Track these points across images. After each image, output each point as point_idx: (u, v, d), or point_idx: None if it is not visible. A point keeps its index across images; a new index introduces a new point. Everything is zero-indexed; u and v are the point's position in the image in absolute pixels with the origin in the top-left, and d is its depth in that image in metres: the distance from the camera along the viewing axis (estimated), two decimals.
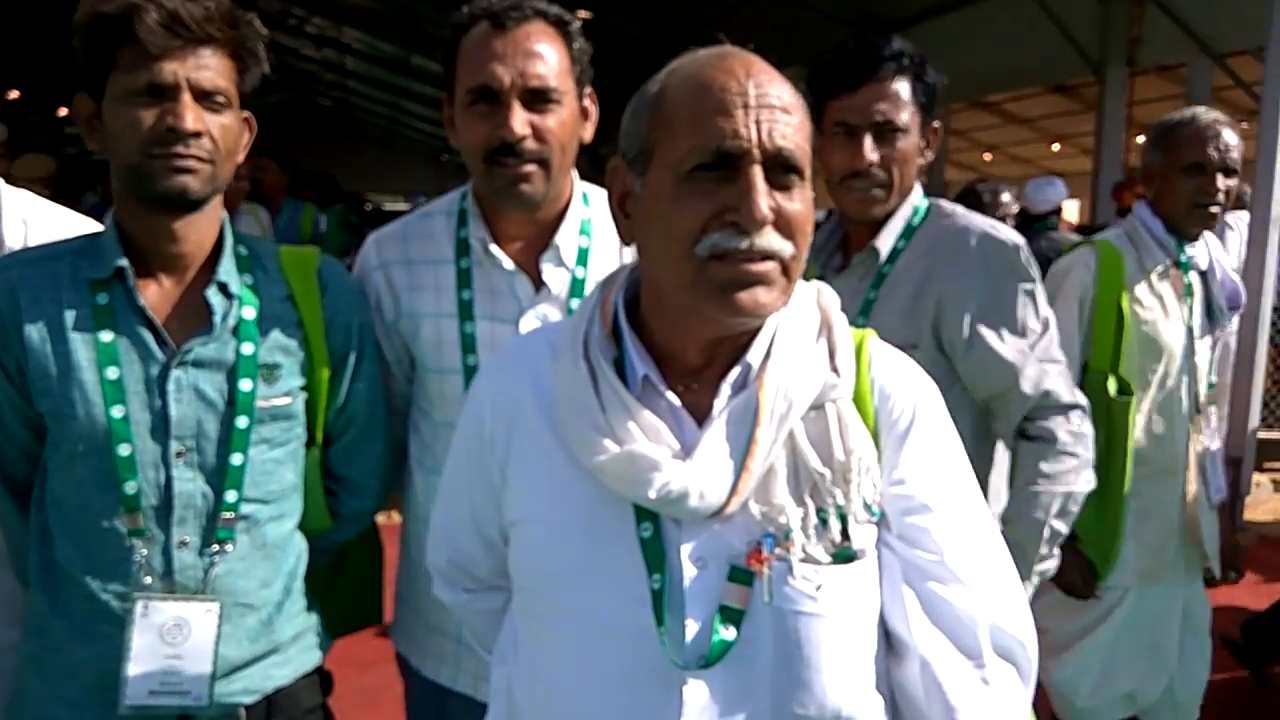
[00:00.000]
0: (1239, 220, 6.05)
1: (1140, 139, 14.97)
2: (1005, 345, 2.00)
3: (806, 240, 1.16)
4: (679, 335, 1.21)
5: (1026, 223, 6.63)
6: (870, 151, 2.02)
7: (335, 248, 6.62)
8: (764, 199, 1.10)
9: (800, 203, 1.14)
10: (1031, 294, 2.05)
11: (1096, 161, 9.61)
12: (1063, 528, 2.04)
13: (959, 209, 2.15)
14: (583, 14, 11.74)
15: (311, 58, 24.42)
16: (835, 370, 1.22)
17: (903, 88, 2.03)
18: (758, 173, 1.11)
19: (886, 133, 2.02)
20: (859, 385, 1.25)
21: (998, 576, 1.25)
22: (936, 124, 2.12)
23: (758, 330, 1.21)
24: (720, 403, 1.19)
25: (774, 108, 1.12)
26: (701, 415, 1.20)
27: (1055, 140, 18.81)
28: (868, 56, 2.03)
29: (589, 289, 1.89)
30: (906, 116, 2.03)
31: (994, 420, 2.11)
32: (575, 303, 1.88)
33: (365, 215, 12.32)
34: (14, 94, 15.02)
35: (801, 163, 1.14)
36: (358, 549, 2.02)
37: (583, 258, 1.90)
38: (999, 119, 17.44)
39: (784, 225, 1.13)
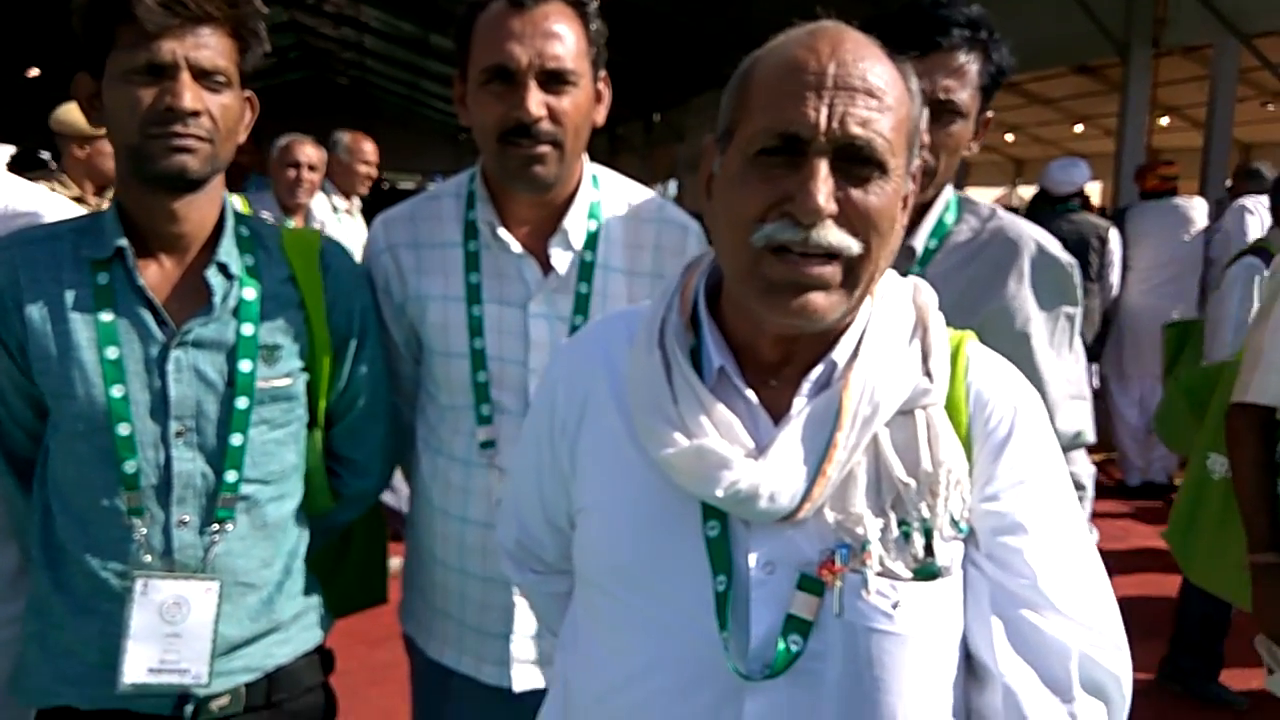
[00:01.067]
0: (1258, 204, 5.98)
1: (1164, 121, 14.81)
2: (1050, 376, 1.83)
3: (884, 241, 1.07)
4: (752, 328, 1.15)
5: (1048, 204, 6.57)
6: (924, 133, 1.83)
7: None
8: (823, 190, 1.02)
9: (877, 196, 1.05)
10: (1073, 320, 1.87)
11: (1119, 143, 9.49)
12: None
13: (997, 209, 1.92)
14: None
15: (330, 36, 24.45)
16: (928, 374, 1.15)
17: (972, 64, 1.76)
18: (822, 162, 1.03)
19: (945, 113, 1.75)
20: (954, 391, 1.17)
21: (1095, 605, 1.16)
22: (990, 113, 1.85)
23: (846, 327, 1.15)
24: (800, 402, 1.13)
25: (855, 90, 1.03)
26: (779, 414, 1.14)
27: (1078, 121, 18.60)
28: (939, 19, 1.74)
29: (597, 273, 1.87)
30: (968, 98, 1.77)
31: None
32: (583, 287, 1.86)
33: (382, 194, 12.30)
34: (34, 71, 15.04)
35: (883, 155, 1.04)
36: (362, 530, 2.02)
37: (591, 241, 1.88)
38: (1022, 99, 17.26)
39: (851, 219, 1.04)
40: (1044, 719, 1.11)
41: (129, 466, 1.56)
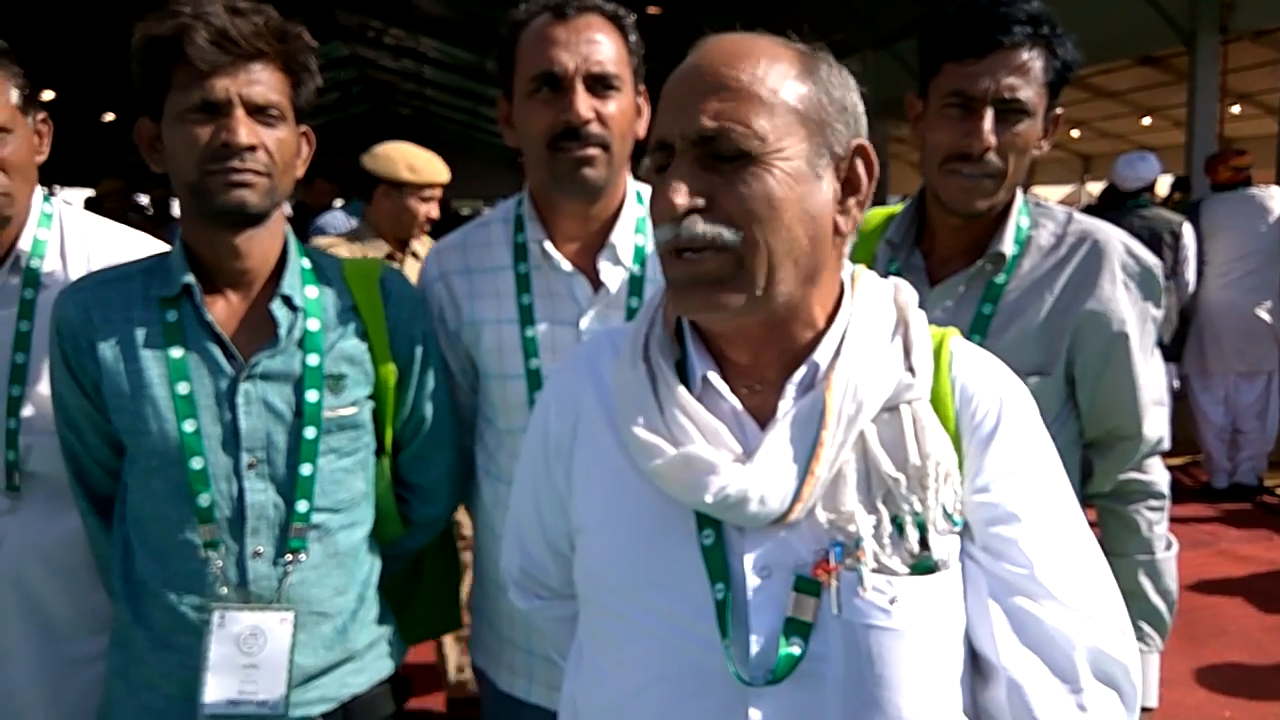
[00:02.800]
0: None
1: (1236, 109, 14.39)
2: (1143, 380, 1.79)
3: (768, 225, 1.09)
4: (721, 334, 1.18)
5: (1118, 200, 6.42)
6: (990, 133, 1.69)
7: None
8: (680, 188, 1.09)
9: (747, 184, 1.09)
10: (1156, 323, 1.82)
11: (1189, 134, 9.24)
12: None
13: (1072, 211, 1.87)
14: (652, 9, 11.74)
15: (390, 68, 24.91)
16: (910, 370, 1.16)
17: (1035, 61, 1.70)
18: (681, 163, 1.10)
19: (1011, 113, 1.70)
20: (938, 386, 1.18)
21: (1095, 592, 1.16)
22: (1059, 110, 1.79)
23: (825, 330, 1.16)
24: (785, 404, 1.14)
25: (709, 89, 1.09)
26: (765, 418, 1.15)
27: (1146, 114, 18.16)
28: (999, 17, 1.69)
29: (648, 288, 1.86)
30: (1033, 95, 1.70)
31: (1096, 463, 1.87)
32: (635, 301, 1.86)
33: (447, 219, 12.48)
34: (48, 94, 15.43)
35: (742, 143, 1.08)
36: (435, 556, 2.03)
37: (639, 256, 1.88)
38: (1087, 93, 16.88)
39: (723, 210, 1.09)
40: (1051, 710, 1.11)
41: (203, 500, 1.59)
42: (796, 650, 1.09)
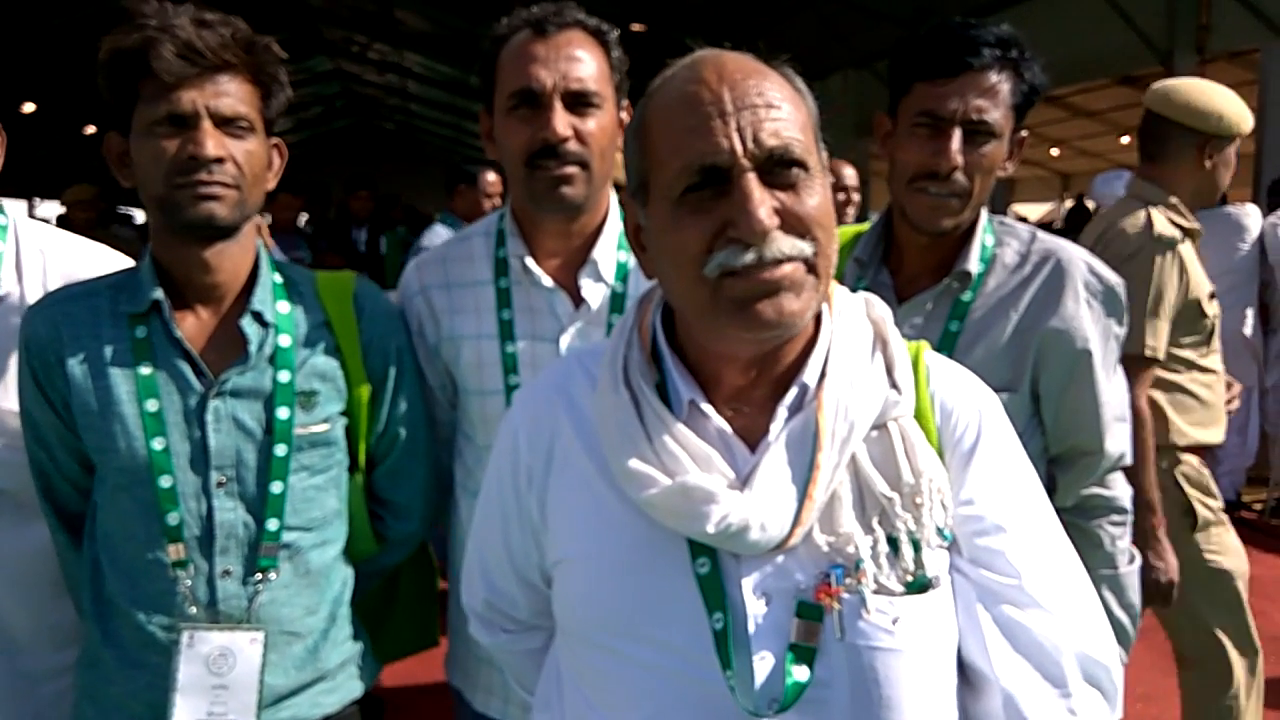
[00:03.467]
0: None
1: None
2: (1105, 397, 1.82)
3: (829, 233, 1.09)
4: (718, 356, 1.15)
5: (1086, 219, 6.46)
6: (957, 153, 1.73)
7: (395, 270, 6.69)
8: (762, 208, 1.03)
9: (811, 196, 1.07)
10: (1120, 341, 1.86)
11: None
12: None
13: (1035, 229, 1.91)
14: (636, 26, 11.78)
15: (375, 83, 24.90)
16: (895, 386, 1.15)
17: (1004, 84, 1.74)
18: (752, 180, 1.04)
19: (978, 134, 1.74)
20: (919, 401, 1.18)
21: (1078, 599, 1.18)
22: (1024, 133, 1.84)
23: (810, 348, 1.15)
24: (776, 427, 1.12)
25: (756, 107, 1.06)
26: (753, 440, 1.13)
27: (1124, 133, 18.33)
28: (969, 40, 1.73)
29: (630, 305, 1.85)
30: (1000, 118, 1.74)
31: (1059, 477, 1.88)
32: (615, 318, 1.85)
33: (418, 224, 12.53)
34: (90, 129, 15.46)
35: (802, 155, 1.07)
36: (410, 573, 2.01)
37: (621, 272, 1.87)
38: (1066, 112, 17.05)
39: (795, 225, 1.06)
40: (1045, 716, 1.12)
41: (172, 518, 1.57)
42: (804, 677, 1.07)
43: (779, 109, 1.06)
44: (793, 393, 1.13)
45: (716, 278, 1.06)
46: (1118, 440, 1.86)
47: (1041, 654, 1.13)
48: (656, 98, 1.12)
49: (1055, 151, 21.41)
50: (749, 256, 1.04)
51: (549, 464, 1.23)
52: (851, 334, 1.17)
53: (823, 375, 1.13)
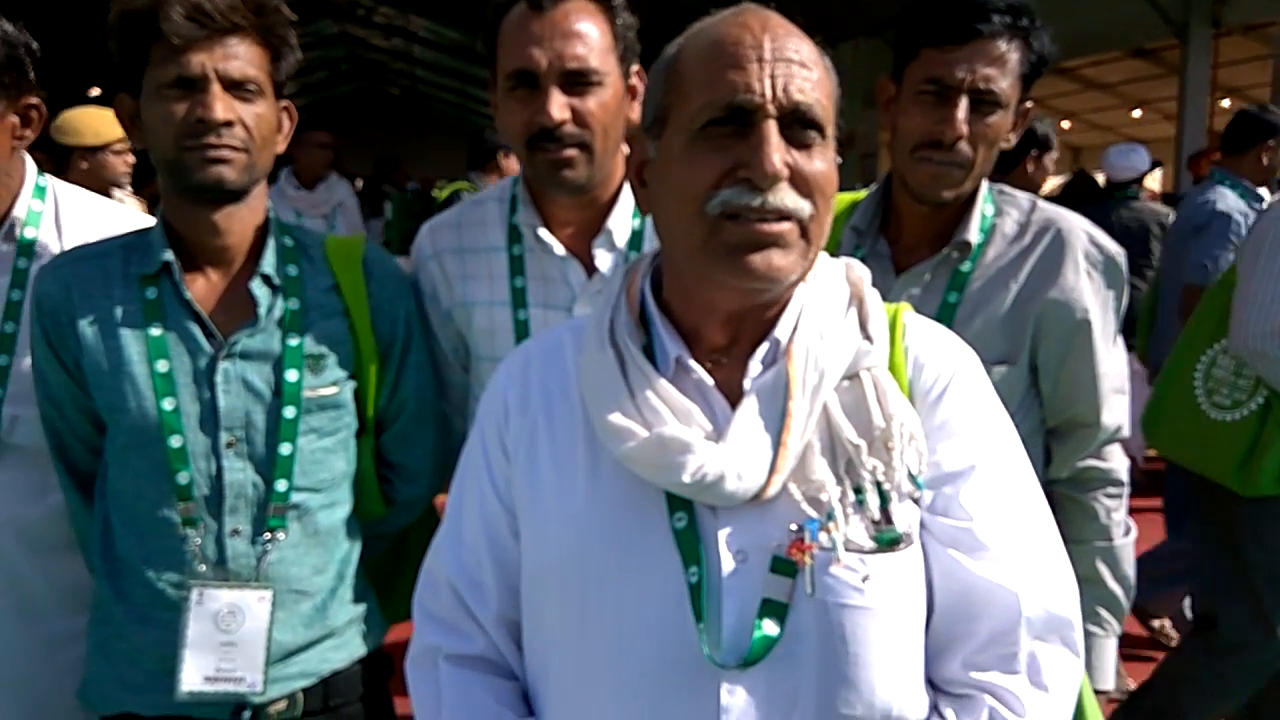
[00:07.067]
0: None
1: (1226, 103, 14.43)
2: (1104, 368, 1.81)
3: (828, 202, 1.12)
4: (700, 311, 1.17)
5: (1107, 191, 6.42)
6: (963, 122, 1.69)
7: (400, 235, 6.65)
8: (778, 153, 1.06)
9: (821, 161, 1.10)
10: (1119, 312, 1.83)
11: (1179, 127, 9.27)
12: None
13: (1035, 199, 1.88)
14: None
15: (380, 47, 24.75)
16: (868, 338, 1.18)
17: (1012, 52, 1.70)
18: (772, 127, 1.07)
19: (985, 104, 1.70)
20: (893, 356, 1.20)
21: (1037, 546, 1.18)
22: (1029, 103, 1.80)
23: (785, 306, 1.17)
24: (750, 379, 1.15)
25: (791, 62, 1.09)
26: (734, 394, 1.15)
27: (1136, 106, 18.22)
28: (980, 6, 1.68)
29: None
30: (1008, 87, 1.71)
31: (1055, 449, 1.89)
32: None
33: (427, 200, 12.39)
34: (95, 91, 15.39)
35: (822, 119, 1.10)
36: (419, 534, 2.02)
37: (635, 241, 1.86)
38: (1077, 85, 16.94)
39: (801, 183, 1.09)
40: (995, 668, 1.13)
41: (182, 478, 1.59)
42: (773, 632, 1.09)
43: (810, 70, 1.10)
44: (764, 347, 1.16)
45: (716, 216, 1.08)
46: (1115, 413, 1.85)
47: (992, 604, 1.13)
48: (696, 36, 1.15)
49: (1067, 124, 21.26)
50: (754, 199, 1.07)
51: (535, 427, 1.24)
52: (826, 291, 1.19)
53: (795, 329, 1.16)
